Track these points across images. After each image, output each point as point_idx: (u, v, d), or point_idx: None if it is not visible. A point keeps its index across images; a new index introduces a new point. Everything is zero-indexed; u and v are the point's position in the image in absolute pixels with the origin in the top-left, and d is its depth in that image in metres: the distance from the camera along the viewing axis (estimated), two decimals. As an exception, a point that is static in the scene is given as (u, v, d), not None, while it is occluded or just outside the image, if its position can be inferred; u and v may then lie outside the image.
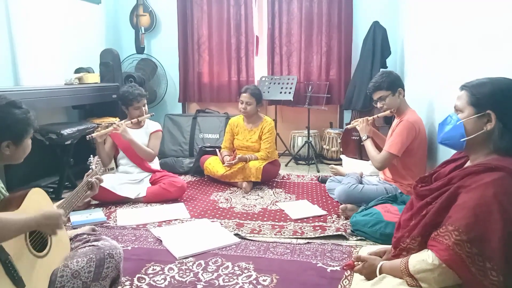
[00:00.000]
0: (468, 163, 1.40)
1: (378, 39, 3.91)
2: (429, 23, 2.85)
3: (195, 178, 3.67)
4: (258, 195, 3.14)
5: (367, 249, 1.74)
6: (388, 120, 3.79)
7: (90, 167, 1.85)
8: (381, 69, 3.69)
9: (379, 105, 2.64)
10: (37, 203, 1.42)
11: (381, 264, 1.44)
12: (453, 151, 1.55)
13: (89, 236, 1.71)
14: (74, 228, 2.36)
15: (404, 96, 2.63)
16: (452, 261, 1.19)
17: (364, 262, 1.51)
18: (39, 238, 1.42)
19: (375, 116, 2.80)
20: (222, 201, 3.00)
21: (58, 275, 1.43)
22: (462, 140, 1.34)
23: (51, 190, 3.15)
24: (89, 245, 1.59)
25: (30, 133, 1.47)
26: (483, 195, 1.19)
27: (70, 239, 1.67)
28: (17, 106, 1.43)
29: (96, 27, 4.38)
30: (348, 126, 2.98)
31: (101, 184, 1.84)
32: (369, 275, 1.47)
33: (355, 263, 1.58)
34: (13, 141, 1.40)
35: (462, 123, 1.34)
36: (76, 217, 2.57)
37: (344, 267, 1.71)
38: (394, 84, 2.57)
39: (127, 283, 1.78)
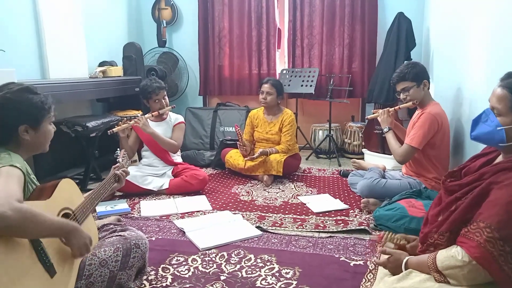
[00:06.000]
0: (499, 158, 1.36)
1: (402, 31, 3.81)
2: (456, 12, 2.76)
3: (216, 171, 3.70)
4: (279, 188, 3.14)
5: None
6: (412, 113, 3.72)
7: (117, 160, 1.88)
8: (405, 61, 3.61)
9: (402, 96, 2.57)
10: (67, 193, 1.45)
11: (407, 259, 1.41)
12: (482, 146, 1.51)
13: (116, 226, 1.76)
14: (99, 219, 2.42)
15: (428, 88, 2.57)
16: (483, 258, 1.16)
17: (390, 256, 1.49)
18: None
19: (396, 107, 2.74)
20: (243, 194, 3.01)
21: (86, 263, 1.48)
22: (501, 145, 1.28)
23: (77, 181, 3.22)
24: (116, 235, 1.63)
25: (46, 117, 1.47)
26: (517, 192, 1.16)
27: (98, 229, 1.71)
28: (31, 91, 1.44)
29: (119, 20, 4.44)
30: (369, 117, 2.92)
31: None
32: (394, 269, 1.45)
33: (378, 257, 1.57)
34: (29, 125, 1.42)
35: (504, 129, 1.27)
36: (101, 207, 2.62)
37: (371, 241, 1.64)
38: (420, 75, 2.50)
39: (152, 272, 1.82)
